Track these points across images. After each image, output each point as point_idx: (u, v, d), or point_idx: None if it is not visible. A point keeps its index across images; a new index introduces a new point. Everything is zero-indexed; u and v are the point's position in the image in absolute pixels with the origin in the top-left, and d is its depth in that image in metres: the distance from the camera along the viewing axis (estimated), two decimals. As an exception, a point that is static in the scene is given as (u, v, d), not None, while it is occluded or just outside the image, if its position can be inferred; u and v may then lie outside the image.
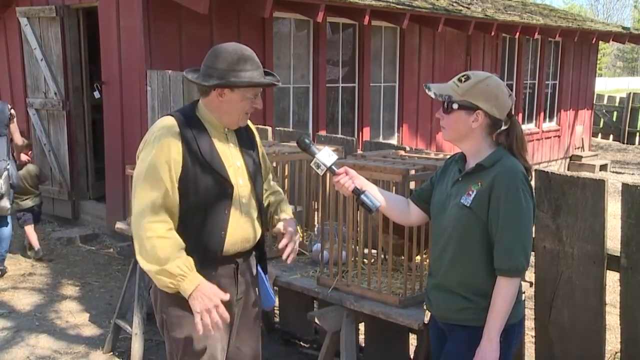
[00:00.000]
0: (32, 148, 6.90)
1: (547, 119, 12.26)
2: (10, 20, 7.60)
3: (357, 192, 2.35)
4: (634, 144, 16.98)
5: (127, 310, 4.19)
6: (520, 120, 10.06)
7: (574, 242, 2.69)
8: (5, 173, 5.44)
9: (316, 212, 3.77)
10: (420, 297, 2.82)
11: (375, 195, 2.40)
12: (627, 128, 17.22)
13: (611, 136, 17.57)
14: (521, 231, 2.13)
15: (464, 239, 2.20)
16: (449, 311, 2.28)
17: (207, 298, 2.24)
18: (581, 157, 12.81)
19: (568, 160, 12.85)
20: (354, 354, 3.05)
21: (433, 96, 2.26)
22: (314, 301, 4.04)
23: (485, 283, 2.18)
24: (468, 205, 2.17)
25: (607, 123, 17.65)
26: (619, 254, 2.61)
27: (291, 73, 7.60)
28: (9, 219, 5.72)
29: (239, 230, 2.43)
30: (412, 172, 2.84)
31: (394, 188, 2.92)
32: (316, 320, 3.06)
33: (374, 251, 3.16)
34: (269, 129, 4.84)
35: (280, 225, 2.57)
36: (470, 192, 2.18)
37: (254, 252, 2.60)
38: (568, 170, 12.25)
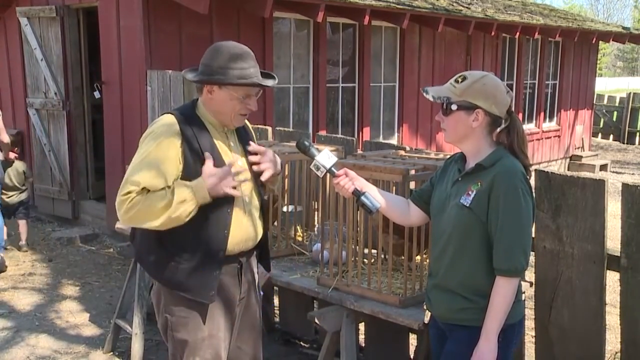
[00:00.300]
0: (18, 145, 6.98)
1: (547, 119, 12.26)
2: (10, 20, 7.60)
3: (357, 194, 2.34)
4: (634, 144, 16.97)
5: (127, 310, 4.19)
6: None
7: (574, 242, 2.69)
8: None
9: (316, 212, 3.77)
10: (420, 297, 2.81)
11: (375, 196, 2.39)
12: (627, 128, 17.21)
13: (611, 136, 17.57)
14: (520, 231, 2.13)
15: (464, 239, 2.20)
16: (449, 311, 2.28)
17: (216, 178, 2.26)
18: (581, 157, 12.80)
19: (568, 160, 12.84)
20: (354, 354, 3.04)
21: (431, 99, 2.26)
22: (314, 301, 4.05)
23: (485, 283, 2.18)
24: (468, 205, 2.17)
25: (607, 123, 17.64)
26: (619, 254, 2.61)
27: (291, 73, 7.60)
28: None
29: (242, 229, 2.43)
30: (412, 172, 2.84)
31: (394, 188, 2.92)
32: (316, 320, 3.06)
33: (374, 251, 3.15)
34: (269, 129, 4.84)
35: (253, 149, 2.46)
36: (470, 192, 2.18)
37: (255, 252, 2.60)
38: (568, 170, 12.25)
